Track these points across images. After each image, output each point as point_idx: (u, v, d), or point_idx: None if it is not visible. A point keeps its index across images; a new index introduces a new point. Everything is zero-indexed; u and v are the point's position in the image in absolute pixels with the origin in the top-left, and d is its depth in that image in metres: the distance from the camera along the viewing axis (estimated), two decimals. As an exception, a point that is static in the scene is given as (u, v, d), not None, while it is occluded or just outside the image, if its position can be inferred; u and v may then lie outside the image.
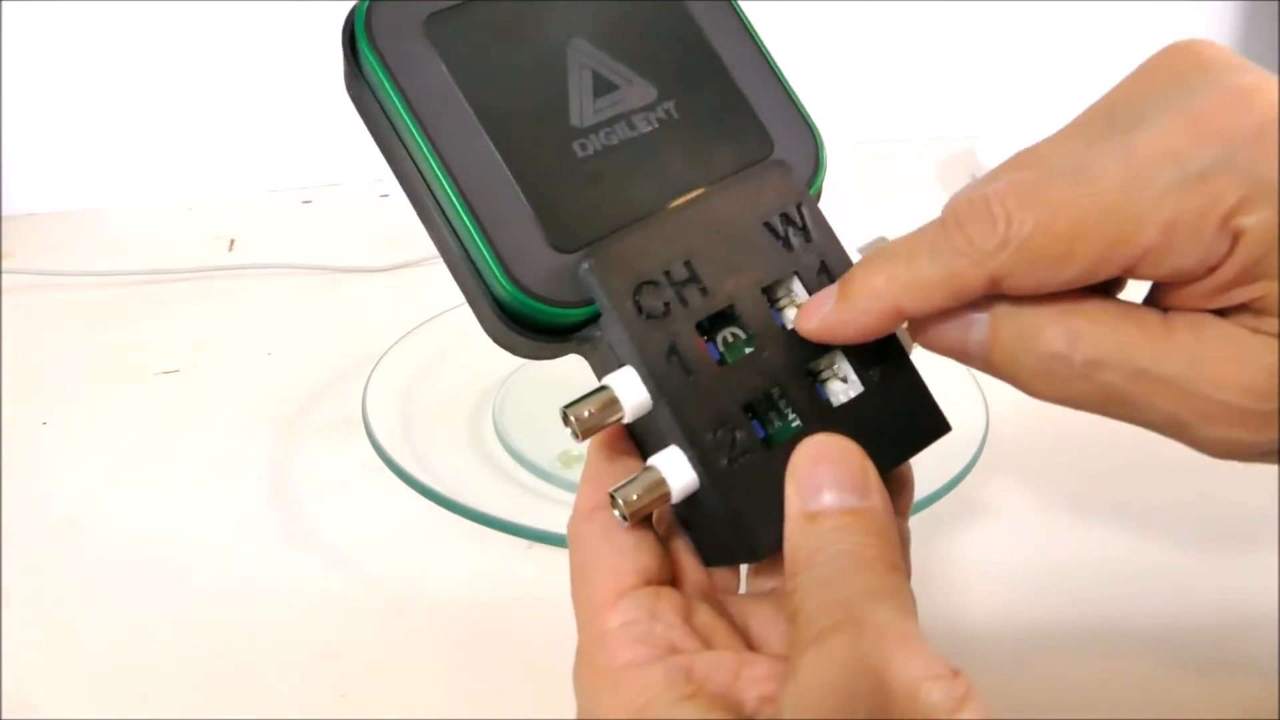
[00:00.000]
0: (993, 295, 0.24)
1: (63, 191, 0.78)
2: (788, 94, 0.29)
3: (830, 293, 0.26)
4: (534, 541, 0.43)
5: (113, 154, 0.78)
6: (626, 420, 0.25)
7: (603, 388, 0.25)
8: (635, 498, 0.25)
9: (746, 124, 0.28)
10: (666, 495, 0.25)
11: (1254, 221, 0.22)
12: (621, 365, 0.26)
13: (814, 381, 0.27)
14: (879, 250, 0.25)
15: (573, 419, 0.25)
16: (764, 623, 0.26)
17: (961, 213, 0.24)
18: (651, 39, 0.28)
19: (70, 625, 0.40)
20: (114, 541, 0.44)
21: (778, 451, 0.25)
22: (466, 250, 0.26)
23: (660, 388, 0.25)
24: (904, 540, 0.28)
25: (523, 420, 0.50)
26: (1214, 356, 0.23)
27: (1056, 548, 0.44)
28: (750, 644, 0.26)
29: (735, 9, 0.29)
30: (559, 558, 0.42)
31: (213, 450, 0.50)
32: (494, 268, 0.25)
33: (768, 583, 0.28)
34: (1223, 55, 0.24)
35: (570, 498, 0.45)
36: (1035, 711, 0.35)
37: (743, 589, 0.28)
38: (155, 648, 0.39)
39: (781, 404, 0.26)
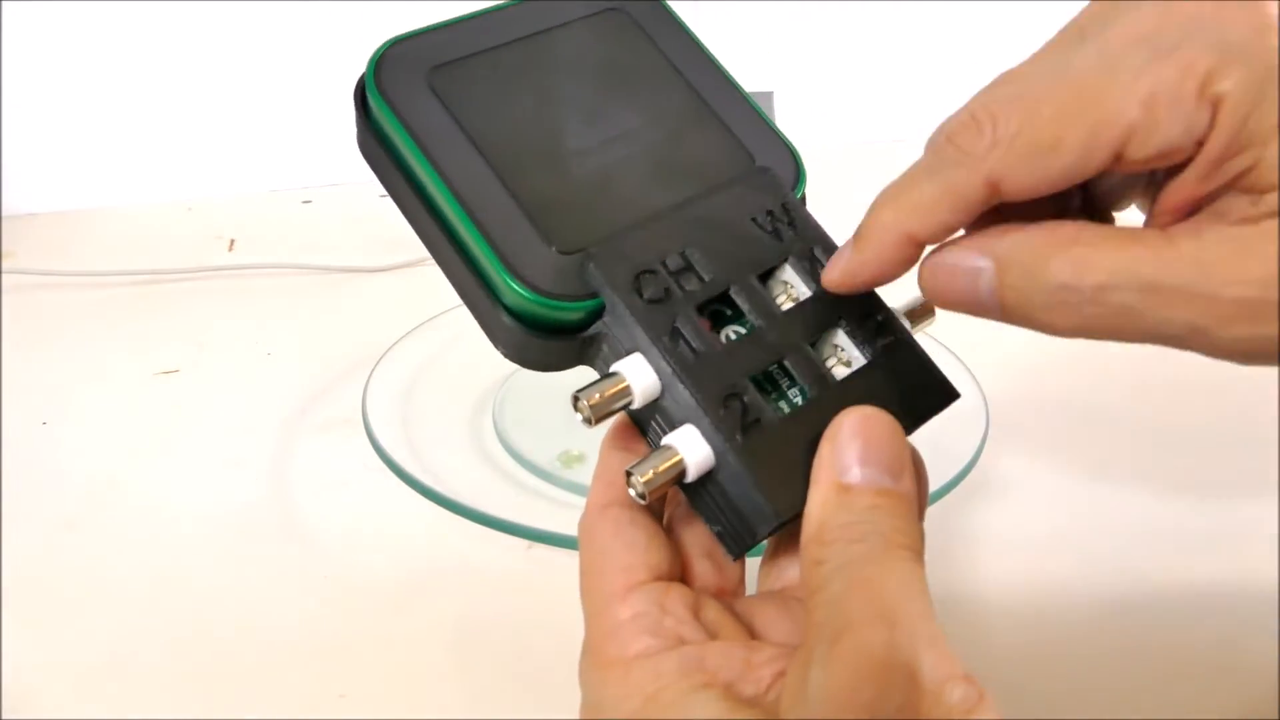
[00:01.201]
0: (981, 241, 0.25)
1: (63, 191, 0.78)
2: (760, 116, 0.32)
3: (848, 244, 0.26)
4: (534, 541, 0.43)
5: (113, 154, 0.78)
6: (636, 405, 0.26)
7: (612, 373, 0.26)
8: (652, 474, 0.25)
9: (727, 142, 0.31)
10: (683, 472, 0.25)
11: (1230, 85, 0.22)
12: (629, 354, 0.27)
13: (817, 358, 0.28)
14: (883, 190, 0.26)
15: (584, 403, 0.26)
16: (768, 621, 0.26)
17: (949, 128, 0.25)
18: (632, 73, 0.31)
19: (70, 625, 0.40)
20: (114, 541, 0.44)
21: (790, 419, 0.26)
22: (477, 266, 0.28)
23: (669, 365, 0.26)
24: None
25: (523, 420, 0.50)
26: (1218, 256, 0.23)
27: (1052, 544, 0.44)
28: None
29: (703, 51, 0.33)
30: (559, 558, 0.42)
31: (213, 450, 0.50)
32: (501, 272, 0.27)
33: (776, 583, 0.28)
34: None
35: (570, 498, 0.45)
36: (1038, 706, 0.35)
37: (749, 591, 0.28)
38: (155, 648, 0.39)
39: (786, 382, 0.27)
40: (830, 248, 0.29)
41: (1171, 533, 0.44)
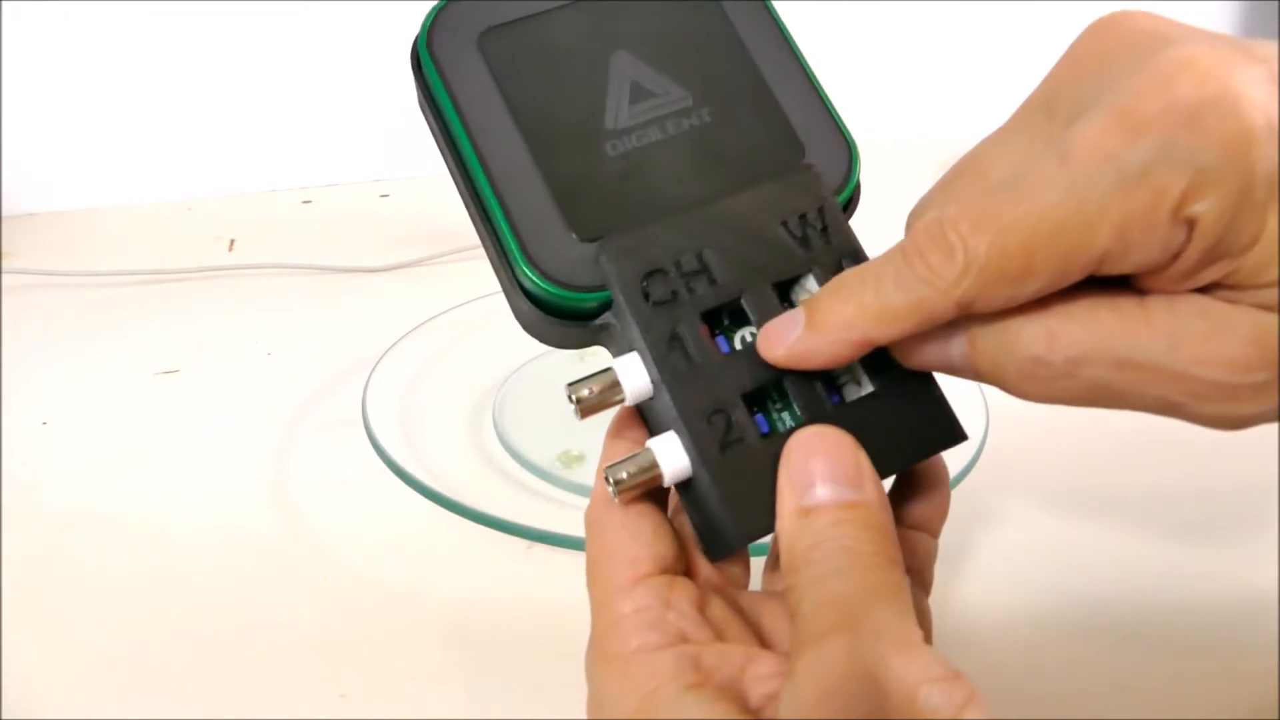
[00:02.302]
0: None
1: (62, 191, 0.78)
2: (824, 103, 0.30)
3: (795, 318, 0.25)
4: (534, 541, 0.43)
5: (112, 154, 0.78)
6: (627, 403, 0.26)
7: (607, 370, 0.26)
8: (625, 476, 0.25)
9: (779, 131, 0.29)
10: (658, 478, 0.25)
11: (1205, 207, 0.21)
12: (630, 350, 0.26)
13: (820, 379, 0.27)
14: (844, 278, 0.25)
15: (574, 396, 0.26)
16: (775, 619, 0.26)
17: (920, 242, 0.23)
18: (692, 49, 0.30)
19: (70, 625, 0.40)
20: (114, 541, 0.44)
21: (774, 440, 0.25)
22: (500, 240, 0.28)
23: (659, 370, 0.26)
24: (929, 555, 0.28)
25: (523, 420, 0.50)
26: (1192, 334, 0.22)
27: (1056, 544, 0.44)
28: (761, 640, 0.26)
29: (776, 21, 0.31)
30: (559, 558, 0.42)
31: (213, 450, 0.50)
32: (516, 253, 0.27)
33: (780, 584, 0.28)
34: (1149, 26, 0.23)
35: (570, 498, 0.45)
36: (1037, 707, 0.35)
37: (754, 586, 0.28)
38: (155, 648, 0.39)
39: (785, 400, 0.27)
40: (861, 261, 0.27)
41: (1172, 531, 0.44)
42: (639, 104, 0.29)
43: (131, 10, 0.75)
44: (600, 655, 0.24)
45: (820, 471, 0.24)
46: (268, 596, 0.41)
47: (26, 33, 0.74)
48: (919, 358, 0.25)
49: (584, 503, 0.44)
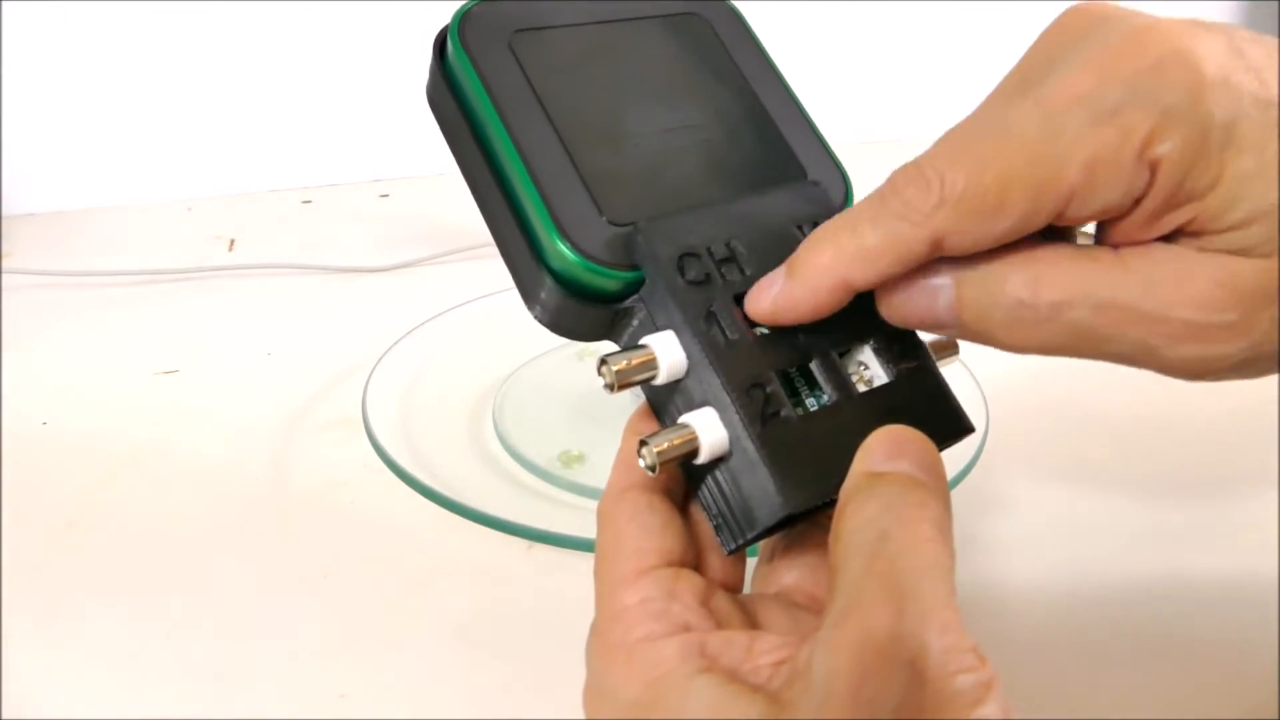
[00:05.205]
0: (942, 259, 0.25)
1: (62, 191, 0.79)
2: (817, 136, 0.33)
3: (778, 274, 0.26)
4: (534, 541, 0.43)
5: (112, 153, 0.78)
6: (659, 380, 0.27)
7: (642, 345, 0.27)
8: (666, 446, 0.26)
9: (782, 153, 0.32)
10: (695, 450, 0.26)
11: (1169, 148, 0.23)
12: (662, 330, 0.27)
13: (842, 367, 0.28)
14: (821, 228, 0.26)
15: (609, 369, 0.26)
16: (771, 618, 0.26)
17: (897, 180, 0.25)
18: (703, 76, 0.32)
19: (70, 625, 0.40)
20: (114, 541, 0.44)
21: (809, 418, 0.26)
22: (527, 223, 0.29)
23: (699, 344, 0.26)
24: None
25: (523, 420, 0.50)
26: (1165, 276, 0.24)
27: (1053, 544, 0.44)
28: None
29: (773, 66, 0.34)
30: (559, 558, 0.42)
31: (213, 450, 0.50)
32: (550, 231, 0.28)
33: (770, 586, 0.28)
34: (1116, 9, 0.25)
35: (570, 498, 0.45)
36: (1036, 707, 0.35)
37: (746, 589, 0.28)
38: (155, 647, 0.39)
39: (806, 389, 0.27)
40: None
41: (1172, 531, 0.44)
42: (659, 114, 0.31)
43: (131, 10, 0.75)
44: (601, 644, 0.25)
45: (899, 452, 0.24)
46: (267, 596, 0.41)
47: (26, 33, 0.74)
48: (905, 310, 0.26)
49: (584, 503, 0.45)
